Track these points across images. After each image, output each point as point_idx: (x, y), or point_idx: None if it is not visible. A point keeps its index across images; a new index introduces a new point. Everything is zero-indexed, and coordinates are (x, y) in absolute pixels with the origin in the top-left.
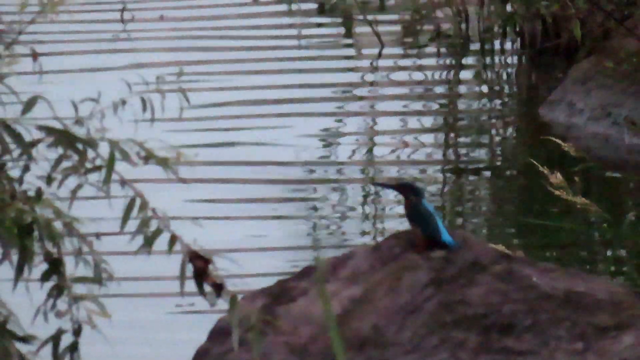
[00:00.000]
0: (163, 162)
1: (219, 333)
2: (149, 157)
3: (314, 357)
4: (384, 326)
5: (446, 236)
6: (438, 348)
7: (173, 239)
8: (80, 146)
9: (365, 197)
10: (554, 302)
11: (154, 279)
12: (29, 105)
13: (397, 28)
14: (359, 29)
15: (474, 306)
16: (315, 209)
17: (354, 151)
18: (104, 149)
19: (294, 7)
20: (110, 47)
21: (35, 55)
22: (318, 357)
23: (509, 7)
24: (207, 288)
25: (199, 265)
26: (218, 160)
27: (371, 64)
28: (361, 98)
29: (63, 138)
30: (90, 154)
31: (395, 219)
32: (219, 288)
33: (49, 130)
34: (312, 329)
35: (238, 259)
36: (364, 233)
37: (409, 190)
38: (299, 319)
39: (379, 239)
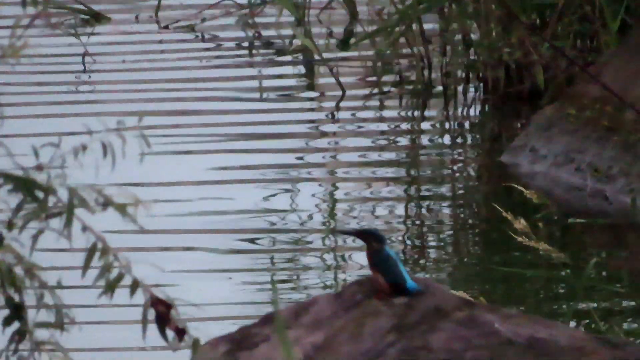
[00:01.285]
0: (121, 209)
1: None
2: (107, 203)
3: None
4: None
5: (409, 282)
6: None
7: (135, 284)
8: (39, 193)
9: (325, 246)
10: (517, 348)
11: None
12: None
13: (360, 70)
14: (321, 71)
15: (436, 352)
16: (274, 259)
17: (315, 204)
18: (64, 194)
19: (254, 51)
20: (71, 90)
21: None
22: None
23: (472, 53)
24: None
25: (161, 310)
26: (174, 213)
27: (332, 113)
28: (321, 150)
29: (21, 185)
30: (52, 198)
31: (357, 266)
32: (181, 333)
33: (7, 177)
34: None
35: (197, 307)
36: (324, 281)
37: (370, 237)
38: None
39: (341, 285)
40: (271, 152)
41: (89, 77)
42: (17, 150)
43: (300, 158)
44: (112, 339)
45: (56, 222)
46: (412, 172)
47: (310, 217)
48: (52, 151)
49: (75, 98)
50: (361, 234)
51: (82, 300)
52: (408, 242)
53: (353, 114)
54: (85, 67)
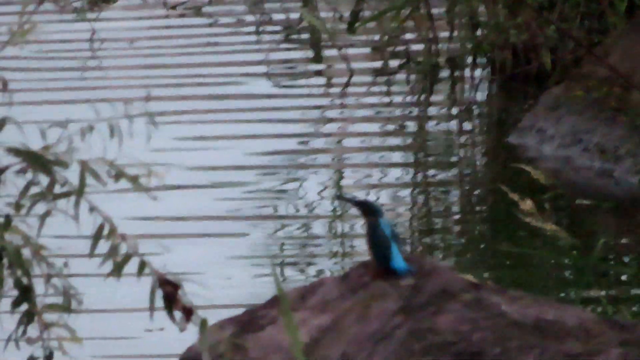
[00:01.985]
0: (134, 181)
1: None
2: (119, 175)
3: None
4: (353, 354)
5: (396, 262)
6: None
7: (142, 265)
8: (50, 168)
9: (334, 225)
10: (523, 329)
11: (124, 300)
12: None
13: (367, 51)
14: (328, 54)
15: (443, 334)
16: (283, 236)
17: (322, 183)
18: (73, 173)
19: (262, 32)
20: (79, 72)
21: (4, 86)
22: None
23: (478, 34)
24: (177, 313)
25: (169, 291)
26: (183, 184)
27: (340, 94)
28: (329, 130)
29: (33, 160)
30: (60, 178)
31: (364, 249)
32: (188, 313)
33: (18, 153)
34: (281, 357)
35: (205, 285)
36: (332, 257)
37: (367, 209)
38: (267, 348)
39: (348, 267)
40: (279, 134)
41: (97, 60)
42: (25, 133)
43: (309, 137)
44: (120, 324)
45: (64, 204)
46: (419, 152)
47: (318, 197)
48: (60, 134)
49: (83, 81)
50: (359, 204)
51: (91, 288)
52: (415, 223)
53: (361, 95)
54: (93, 49)
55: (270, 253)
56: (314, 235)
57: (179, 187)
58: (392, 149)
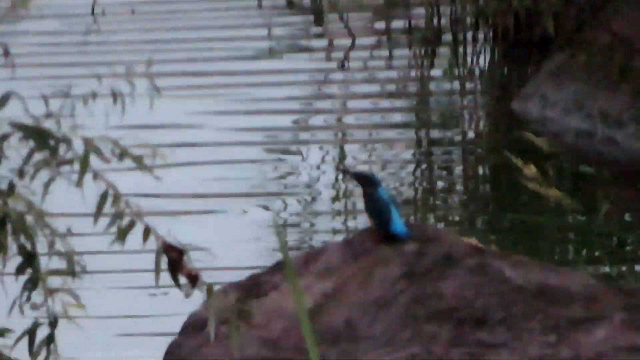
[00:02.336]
0: (137, 160)
1: (191, 327)
2: (123, 154)
3: (286, 351)
4: (356, 320)
5: (396, 226)
6: (411, 341)
7: (147, 231)
8: (53, 143)
9: (336, 194)
10: (527, 295)
11: (128, 271)
12: (1, 101)
13: (368, 18)
14: (330, 23)
15: (447, 300)
16: (285, 205)
17: (324, 151)
18: (77, 143)
19: (264, 2)
20: (80, 41)
21: (6, 53)
22: (290, 351)
23: (481, 0)
24: (182, 279)
25: (174, 257)
26: (185, 161)
27: (341, 61)
28: (331, 96)
29: (36, 136)
30: (63, 148)
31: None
32: (194, 279)
33: (21, 128)
34: (285, 323)
35: (208, 253)
36: (335, 231)
37: (365, 180)
38: (271, 313)
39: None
40: (279, 110)
41: (99, 33)
42: (27, 99)
43: (310, 105)
44: (125, 303)
45: (68, 176)
46: (422, 119)
47: (320, 165)
48: (62, 100)
49: (85, 55)
50: (357, 175)
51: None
52: (418, 190)
53: (361, 66)
54: (95, 18)
55: (272, 228)
56: (316, 211)
57: (179, 164)
58: (394, 115)
